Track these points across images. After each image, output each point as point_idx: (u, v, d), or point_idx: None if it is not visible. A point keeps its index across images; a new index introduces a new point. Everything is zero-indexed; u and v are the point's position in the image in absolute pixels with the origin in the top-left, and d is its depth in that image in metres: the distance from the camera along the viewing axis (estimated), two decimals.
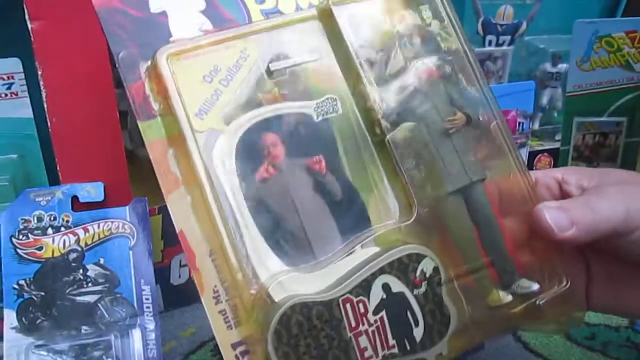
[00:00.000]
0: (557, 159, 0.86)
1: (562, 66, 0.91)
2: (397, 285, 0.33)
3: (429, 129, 0.36)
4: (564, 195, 0.37)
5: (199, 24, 0.36)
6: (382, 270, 0.32)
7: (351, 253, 0.34)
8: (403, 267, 0.32)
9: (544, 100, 0.95)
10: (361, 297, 0.32)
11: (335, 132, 0.35)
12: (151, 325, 0.45)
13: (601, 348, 0.48)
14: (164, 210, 0.50)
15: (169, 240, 0.54)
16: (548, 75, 0.94)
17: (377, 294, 0.32)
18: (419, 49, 0.37)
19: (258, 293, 0.32)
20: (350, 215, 0.36)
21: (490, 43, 0.92)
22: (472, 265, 0.36)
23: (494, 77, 0.91)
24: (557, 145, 0.88)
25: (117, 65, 0.34)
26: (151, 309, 0.45)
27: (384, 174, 0.36)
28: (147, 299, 0.45)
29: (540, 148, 0.88)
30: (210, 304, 0.32)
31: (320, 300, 0.31)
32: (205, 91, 0.34)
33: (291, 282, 0.32)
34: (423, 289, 0.34)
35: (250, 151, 0.34)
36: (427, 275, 0.34)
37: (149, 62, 0.34)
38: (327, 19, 0.36)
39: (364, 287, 0.32)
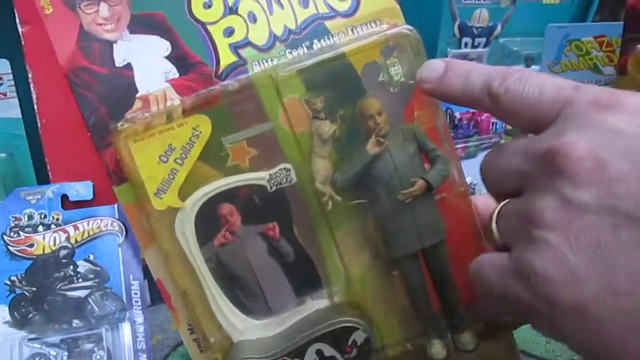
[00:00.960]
0: None
1: (535, 68, 0.91)
2: (329, 351, 0.37)
3: (386, 195, 0.38)
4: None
5: (164, 73, 0.38)
6: (315, 340, 0.37)
7: (302, 304, 0.40)
8: (336, 338, 0.37)
9: None
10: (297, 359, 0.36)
11: (288, 200, 0.38)
12: (140, 319, 0.47)
13: None
14: None
15: None
16: None
17: (310, 358, 0.37)
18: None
19: (217, 341, 0.39)
20: (302, 274, 0.40)
21: (466, 45, 0.92)
22: (420, 323, 0.39)
23: None
24: None
25: (89, 132, 0.38)
26: (140, 303, 0.47)
27: (332, 242, 0.38)
28: (135, 293, 0.47)
29: None
30: (186, 334, 0.40)
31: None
32: (162, 171, 0.36)
33: (248, 329, 0.39)
34: (354, 354, 0.38)
35: (208, 220, 0.38)
36: (359, 343, 0.37)
37: (117, 126, 0.37)
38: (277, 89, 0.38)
39: (300, 352, 0.37)
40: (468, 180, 0.68)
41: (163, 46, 0.38)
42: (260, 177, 0.37)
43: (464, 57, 0.91)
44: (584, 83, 0.29)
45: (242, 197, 0.38)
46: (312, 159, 0.37)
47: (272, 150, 0.38)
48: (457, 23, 0.91)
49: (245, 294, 0.39)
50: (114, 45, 0.37)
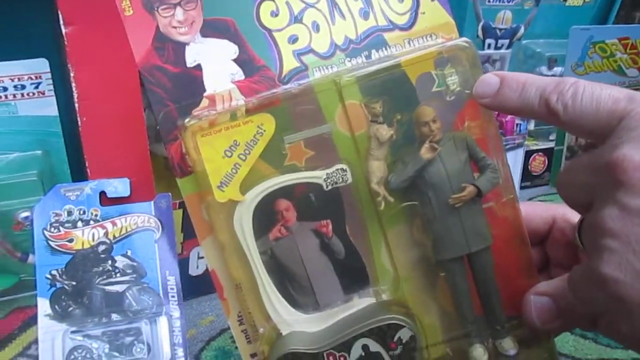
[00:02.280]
0: (551, 158, 0.90)
1: (558, 69, 0.93)
2: (375, 347, 0.38)
3: (437, 199, 0.40)
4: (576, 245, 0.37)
5: (231, 74, 0.40)
6: (362, 335, 0.38)
7: (349, 300, 0.42)
8: (382, 334, 0.38)
9: None
10: (343, 353, 0.38)
11: (342, 199, 0.40)
12: (176, 313, 0.48)
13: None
14: (184, 205, 0.52)
15: (188, 233, 0.58)
16: None
17: (356, 352, 0.38)
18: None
19: (266, 331, 0.40)
20: (351, 272, 0.42)
21: (489, 46, 0.94)
22: (462, 325, 0.41)
23: None
24: (551, 144, 0.92)
25: (157, 126, 0.40)
26: (176, 298, 0.49)
27: (382, 241, 0.40)
28: (172, 288, 0.49)
29: (536, 148, 0.91)
30: (235, 324, 0.41)
31: (310, 352, 0.37)
32: (225, 165, 0.38)
33: (296, 322, 0.40)
34: (398, 351, 0.39)
35: (265, 215, 0.40)
36: (404, 341, 0.39)
37: (184, 122, 0.39)
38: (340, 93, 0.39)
39: (347, 346, 0.38)
40: None
41: (231, 49, 0.39)
42: (317, 175, 0.39)
43: (487, 58, 0.93)
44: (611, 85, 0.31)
45: (298, 194, 0.40)
46: (368, 160, 0.39)
47: (328, 152, 0.40)
48: (481, 24, 0.92)
49: (295, 288, 0.41)
50: (187, 46, 0.39)
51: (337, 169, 0.39)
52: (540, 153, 0.90)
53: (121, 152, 0.53)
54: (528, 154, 0.89)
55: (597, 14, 0.99)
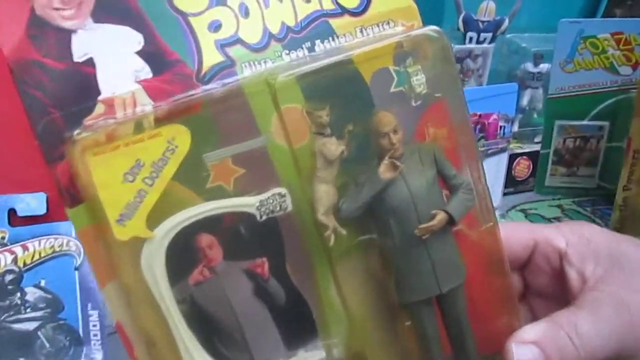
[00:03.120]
0: (537, 162, 0.85)
1: (544, 66, 0.90)
2: None
3: (400, 229, 0.32)
4: (561, 274, 0.34)
5: (134, 72, 0.31)
6: None
7: (293, 356, 0.34)
8: None
9: (525, 101, 0.93)
10: None
11: (281, 232, 0.32)
12: (99, 355, 0.42)
13: None
14: None
15: None
16: (529, 76, 0.92)
17: None
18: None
19: None
20: (294, 321, 0.34)
21: (471, 40, 0.90)
22: None
23: (474, 76, 0.89)
24: (536, 147, 0.86)
25: (37, 141, 0.31)
26: (99, 337, 0.42)
27: (332, 283, 0.32)
28: (94, 325, 0.42)
29: (520, 151, 0.86)
30: None
31: None
32: (126, 192, 0.30)
33: None
34: None
35: (182, 254, 0.32)
36: None
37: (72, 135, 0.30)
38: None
39: None
40: None
41: (134, 39, 0.31)
42: (248, 203, 0.31)
43: (469, 53, 0.88)
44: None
45: (225, 227, 0.32)
46: (314, 183, 0.31)
47: (264, 171, 0.32)
48: (461, 16, 0.88)
49: (225, 344, 0.33)
50: (73, 35, 0.30)
51: (274, 194, 0.31)
52: (524, 157, 0.85)
53: (34, 161, 0.44)
54: (512, 158, 0.84)
55: (585, 6, 0.95)
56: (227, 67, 0.32)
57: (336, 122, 0.31)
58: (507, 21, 0.89)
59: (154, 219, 0.31)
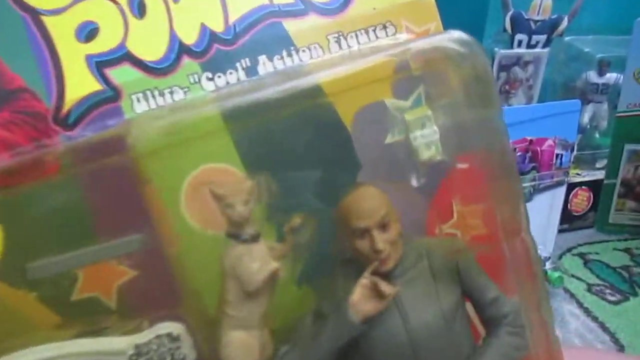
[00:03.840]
0: (598, 193, 0.74)
1: (611, 76, 0.79)
2: None
3: None
4: None
5: None
6: None
7: None
8: None
9: (585, 118, 0.82)
10: None
11: None
12: None
13: None
14: None
15: None
16: (592, 87, 0.81)
17: None
18: None
19: None
20: None
21: (520, 44, 0.79)
22: None
23: (523, 87, 0.79)
24: (598, 175, 0.76)
25: None
26: None
27: None
28: None
29: (578, 180, 0.75)
30: None
31: None
32: None
33: None
34: None
35: None
36: None
37: None
38: None
39: None
40: None
41: None
42: (115, 349, 0.18)
43: (517, 59, 0.79)
44: None
45: None
46: (223, 327, 0.18)
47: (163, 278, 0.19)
48: (509, 14, 0.79)
49: None
50: None
51: (159, 336, 0.18)
52: (583, 187, 0.74)
53: None
54: (568, 188, 0.71)
55: None
56: (105, 100, 0.20)
57: (274, 212, 0.18)
58: (565, 21, 0.78)
59: None
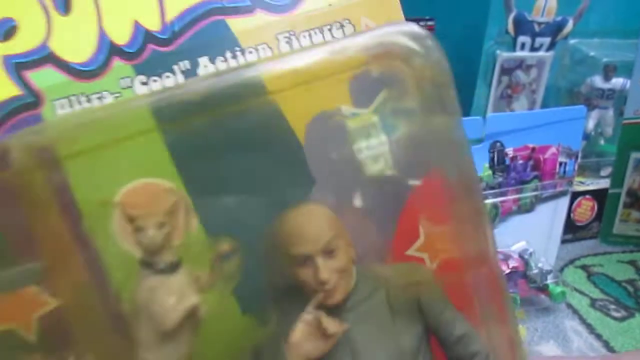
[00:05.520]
0: (603, 203, 0.73)
1: (618, 81, 0.78)
2: None
3: None
4: None
5: None
6: None
7: None
8: None
9: (590, 124, 0.81)
10: None
11: None
12: None
13: None
14: None
15: None
16: (598, 93, 0.80)
17: None
18: None
19: None
20: None
21: (523, 46, 0.78)
22: None
23: (525, 92, 0.78)
24: (602, 184, 0.75)
25: None
26: None
27: None
28: None
29: (582, 188, 0.73)
30: None
31: None
32: None
33: None
34: None
35: None
36: None
37: None
38: None
39: None
40: (520, 246, 0.52)
41: None
42: None
43: (519, 62, 0.78)
44: None
45: None
46: None
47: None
48: (512, 15, 0.78)
49: None
50: None
51: None
52: (587, 196, 0.73)
53: None
54: (571, 197, 0.69)
55: None
56: (26, 106, 0.17)
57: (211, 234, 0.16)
58: (570, 23, 0.77)
59: None
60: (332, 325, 0.17)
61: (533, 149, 0.60)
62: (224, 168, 0.17)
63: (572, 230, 0.72)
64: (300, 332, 0.17)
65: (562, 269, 0.67)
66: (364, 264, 0.17)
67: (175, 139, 0.18)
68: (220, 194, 0.17)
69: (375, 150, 0.17)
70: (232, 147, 0.17)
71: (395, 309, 0.18)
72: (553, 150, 0.60)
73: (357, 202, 0.18)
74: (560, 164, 0.62)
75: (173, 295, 0.16)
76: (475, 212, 0.16)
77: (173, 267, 0.16)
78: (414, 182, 0.17)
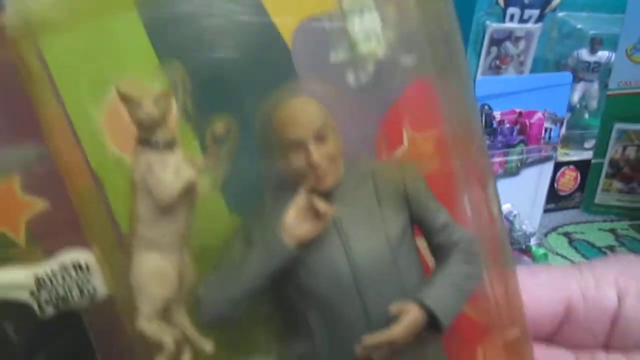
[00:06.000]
0: (586, 173, 0.74)
1: (603, 54, 0.78)
2: None
3: (330, 336, 0.18)
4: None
5: None
6: None
7: None
8: None
9: (575, 97, 0.81)
10: None
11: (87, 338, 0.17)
12: None
13: None
14: None
15: None
16: (584, 65, 0.79)
17: None
18: None
19: None
20: None
21: (512, 18, 0.77)
22: None
23: (513, 63, 0.77)
24: (586, 155, 0.76)
25: None
26: None
27: None
28: None
29: (566, 159, 0.74)
30: None
31: None
32: None
33: None
34: None
35: None
36: None
37: None
38: None
39: None
40: (506, 209, 0.52)
41: None
42: (16, 283, 0.16)
43: (508, 34, 0.77)
44: None
45: None
46: (134, 249, 0.17)
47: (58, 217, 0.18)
48: None
49: None
50: None
51: (64, 267, 0.16)
52: (571, 166, 0.74)
53: None
54: (555, 167, 0.71)
55: None
56: None
57: (194, 117, 0.16)
58: None
59: None
60: (324, 206, 0.17)
61: (520, 114, 0.60)
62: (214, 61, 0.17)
63: (555, 199, 0.73)
64: (294, 214, 0.17)
65: (545, 236, 0.67)
66: (352, 158, 0.18)
67: (159, 41, 0.17)
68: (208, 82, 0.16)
69: (367, 28, 0.17)
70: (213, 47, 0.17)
71: (382, 198, 0.18)
72: (539, 115, 0.61)
73: (345, 101, 0.18)
74: (546, 129, 0.62)
75: (170, 171, 0.16)
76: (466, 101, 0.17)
77: (170, 144, 0.16)
78: (406, 60, 0.17)
